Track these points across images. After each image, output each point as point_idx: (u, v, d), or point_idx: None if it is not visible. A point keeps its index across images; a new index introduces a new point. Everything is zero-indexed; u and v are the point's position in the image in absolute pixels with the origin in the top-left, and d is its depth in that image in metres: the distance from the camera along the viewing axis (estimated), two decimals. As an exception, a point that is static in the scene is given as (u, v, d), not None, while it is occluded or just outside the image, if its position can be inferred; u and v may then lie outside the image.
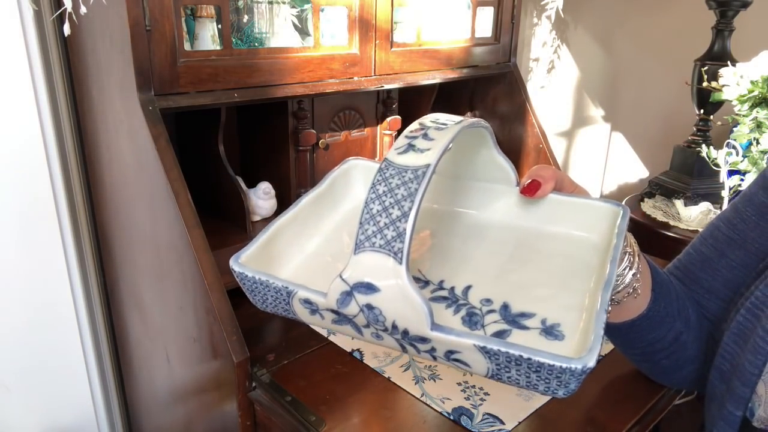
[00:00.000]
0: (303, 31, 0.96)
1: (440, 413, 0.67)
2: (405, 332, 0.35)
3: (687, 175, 1.51)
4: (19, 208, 0.96)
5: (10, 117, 0.91)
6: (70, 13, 0.66)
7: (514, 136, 1.25)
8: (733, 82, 1.19)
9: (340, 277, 0.35)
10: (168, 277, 0.80)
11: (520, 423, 0.66)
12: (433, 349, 0.35)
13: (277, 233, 0.47)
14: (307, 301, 0.38)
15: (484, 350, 0.33)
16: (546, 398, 0.69)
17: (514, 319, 0.41)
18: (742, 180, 1.29)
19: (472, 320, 0.41)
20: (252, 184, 0.95)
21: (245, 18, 0.90)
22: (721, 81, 1.24)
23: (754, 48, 1.18)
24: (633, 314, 0.58)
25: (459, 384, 0.72)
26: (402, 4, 0.97)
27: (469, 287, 0.44)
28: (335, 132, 1.04)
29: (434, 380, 0.72)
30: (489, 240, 0.50)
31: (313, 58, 0.86)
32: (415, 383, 0.71)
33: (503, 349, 0.32)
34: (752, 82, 1.15)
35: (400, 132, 1.15)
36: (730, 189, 1.32)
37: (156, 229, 0.79)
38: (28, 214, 0.97)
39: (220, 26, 0.83)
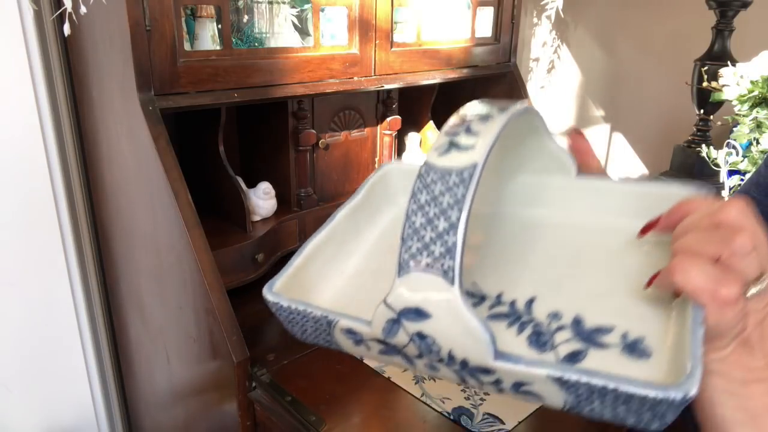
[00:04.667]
0: (303, 31, 0.96)
1: (440, 413, 0.67)
2: (464, 363, 0.31)
3: (687, 175, 1.51)
4: (19, 208, 0.96)
5: (10, 117, 0.91)
6: (70, 13, 0.66)
7: (514, 136, 1.25)
8: (733, 82, 1.19)
9: (385, 302, 0.31)
10: (168, 277, 0.80)
11: (520, 423, 0.66)
12: (498, 381, 0.31)
13: (312, 255, 0.42)
14: (350, 331, 0.34)
15: (560, 381, 0.28)
16: (546, 398, 0.69)
17: (589, 336, 0.34)
18: (742, 180, 1.29)
19: (540, 340, 0.35)
20: (252, 184, 0.95)
21: (245, 18, 0.90)
22: (721, 81, 1.24)
23: (754, 48, 1.18)
24: None
25: (459, 384, 0.72)
26: (402, 4, 0.97)
27: (532, 300, 0.38)
28: (335, 132, 1.04)
29: (434, 380, 0.72)
30: (549, 241, 0.43)
31: (313, 58, 0.86)
32: (415, 383, 0.71)
33: (584, 380, 0.27)
34: (752, 82, 1.15)
35: (400, 132, 1.15)
36: (730, 189, 1.32)
37: (156, 229, 0.79)
38: (28, 214, 0.97)
39: (220, 26, 0.83)
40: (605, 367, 0.31)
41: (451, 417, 0.66)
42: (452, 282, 0.28)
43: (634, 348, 0.33)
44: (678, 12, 1.71)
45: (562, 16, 1.08)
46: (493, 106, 0.34)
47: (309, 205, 1.01)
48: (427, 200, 0.30)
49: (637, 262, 0.39)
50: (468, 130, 0.32)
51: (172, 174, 0.72)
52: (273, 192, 0.95)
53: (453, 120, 0.34)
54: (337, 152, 1.05)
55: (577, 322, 0.35)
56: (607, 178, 0.43)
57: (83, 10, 0.66)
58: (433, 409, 0.67)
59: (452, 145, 0.31)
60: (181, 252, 0.74)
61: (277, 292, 0.39)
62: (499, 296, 0.39)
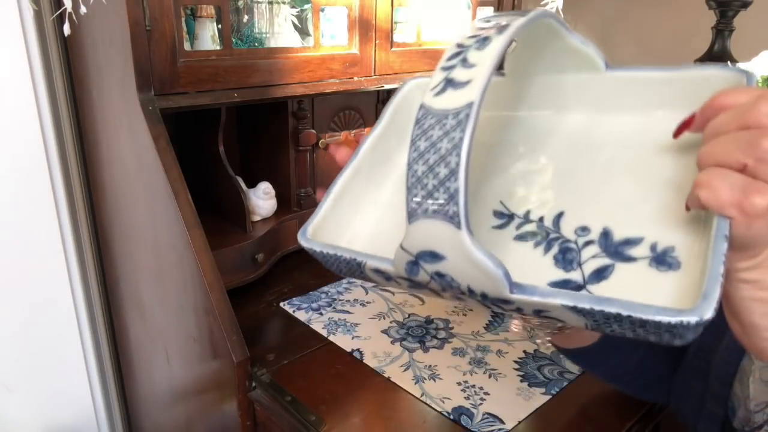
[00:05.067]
0: (303, 31, 0.96)
1: (440, 413, 0.67)
2: (484, 295, 0.31)
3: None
4: (19, 208, 0.96)
5: (10, 117, 0.91)
6: (70, 13, 0.66)
7: (514, 136, 1.25)
8: (733, 82, 1.19)
9: (402, 247, 0.32)
10: (168, 277, 0.80)
11: (520, 423, 0.66)
12: (519, 309, 0.32)
13: (340, 194, 0.42)
14: (377, 271, 0.36)
15: (576, 309, 0.29)
16: (546, 398, 0.69)
17: (617, 250, 0.34)
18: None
19: (566, 258, 0.35)
20: (252, 184, 0.95)
21: (245, 18, 0.90)
22: (721, 81, 1.24)
23: (754, 48, 1.18)
24: (584, 342, 0.57)
25: (459, 384, 0.72)
26: (402, 4, 0.97)
27: (560, 214, 0.37)
28: (335, 132, 1.04)
29: (434, 380, 0.72)
30: (578, 146, 0.40)
31: (313, 58, 0.86)
32: (415, 383, 0.71)
33: (597, 308, 0.28)
34: (752, 82, 1.15)
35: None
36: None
37: (156, 229, 0.79)
38: (28, 214, 0.97)
39: (220, 26, 0.83)
40: (632, 281, 0.32)
41: (451, 417, 0.66)
42: (459, 226, 0.29)
43: (662, 260, 0.32)
44: (678, 12, 1.71)
45: (562, 16, 1.08)
46: (492, 25, 0.32)
47: (309, 205, 1.01)
48: (426, 147, 0.29)
49: (674, 164, 0.36)
50: (464, 62, 0.30)
51: (172, 174, 0.72)
52: (273, 192, 0.95)
53: (450, 49, 0.32)
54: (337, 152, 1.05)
55: (605, 235, 0.35)
56: (641, 67, 0.39)
57: (83, 10, 0.66)
58: (433, 409, 0.67)
59: (448, 83, 0.30)
60: (181, 252, 0.74)
61: (311, 236, 0.39)
62: (526, 214, 0.39)
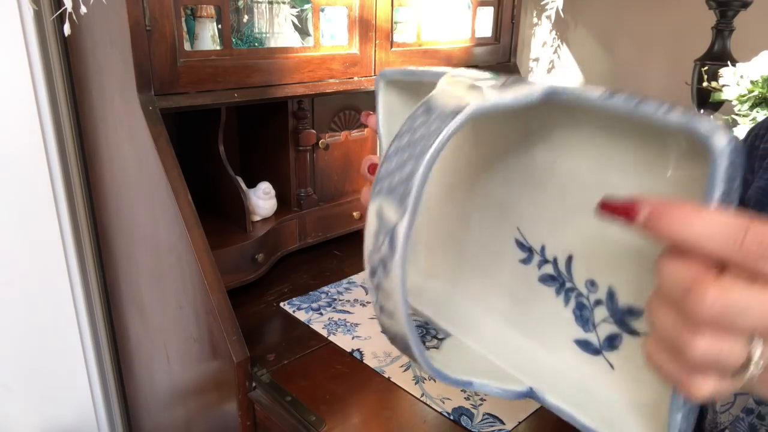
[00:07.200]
0: (303, 31, 0.97)
1: (440, 413, 0.67)
2: None
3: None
4: (19, 208, 0.96)
5: (10, 117, 0.91)
6: (70, 13, 0.66)
7: (514, 136, 1.25)
8: (733, 82, 1.19)
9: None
10: (168, 277, 0.80)
11: (520, 423, 0.66)
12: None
13: None
14: None
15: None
16: (546, 398, 0.69)
17: (622, 319, 0.34)
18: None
19: (583, 316, 0.36)
20: (252, 184, 0.95)
21: (245, 18, 0.90)
22: (721, 81, 1.24)
23: (754, 48, 1.18)
24: None
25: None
26: (402, 4, 0.97)
27: (570, 258, 0.36)
28: (335, 132, 1.04)
29: (434, 380, 0.72)
30: (577, 160, 0.35)
31: (313, 58, 0.86)
32: (415, 383, 0.71)
33: None
34: (752, 82, 1.15)
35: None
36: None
37: (156, 229, 0.79)
38: (28, 214, 0.97)
39: (220, 26, 0.84)
40: (639, 357, 0.33)
41: (451, 417, 0.66)
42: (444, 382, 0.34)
43: None
44: (678, 12, 1.71)
45: (562, 16, 1.08)
46: (398, 210, 0.29)
47: (309, 205, 1.01)
48: (385, 328, 0.33)
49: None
50: (384, 267, 0.30)
51: (172, 174, 0.72)
52: (273, 192, 0.95)
53: (367, 241, 0.31)
54: (337, 152, 1.05)
55: (611, 296, 0.35)
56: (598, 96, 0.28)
57: (83, 10, 0.66)
58: (433, 409, 0.67)
59: (382, 311, 0.32)
60: (181, 252, 0.74)
61: None
62: (542, 250, 0.39)
